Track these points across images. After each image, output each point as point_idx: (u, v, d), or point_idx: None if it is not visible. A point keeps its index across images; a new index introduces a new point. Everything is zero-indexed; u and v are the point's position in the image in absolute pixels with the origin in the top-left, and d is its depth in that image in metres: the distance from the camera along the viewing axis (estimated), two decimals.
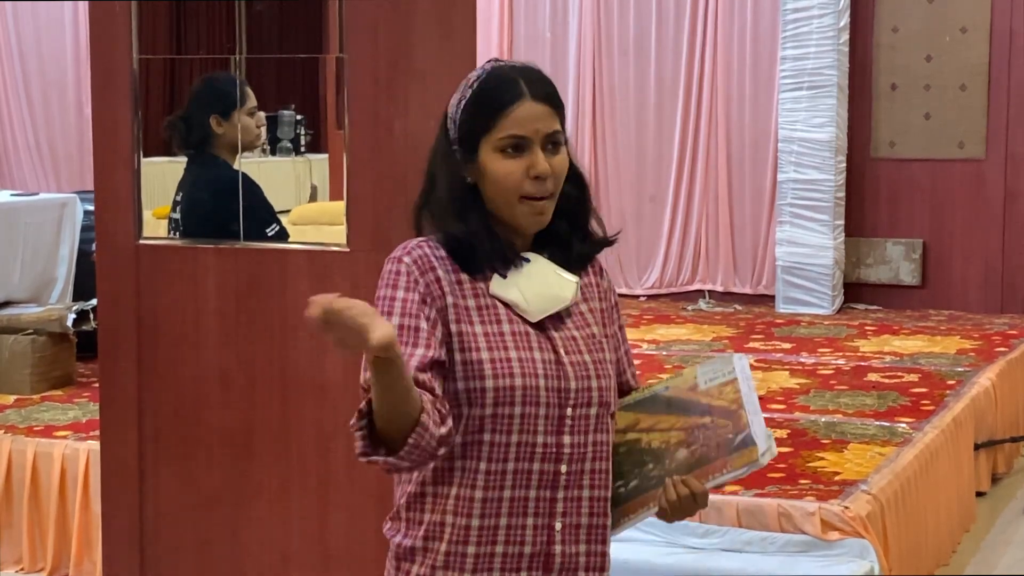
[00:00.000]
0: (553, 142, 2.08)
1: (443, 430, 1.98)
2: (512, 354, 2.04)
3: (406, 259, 2.06)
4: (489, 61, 2.15)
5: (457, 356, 2.03)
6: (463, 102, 2.10)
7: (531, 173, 2.05)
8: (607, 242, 2.20)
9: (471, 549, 2.05)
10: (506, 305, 2.08)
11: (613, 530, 2.16)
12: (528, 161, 2.06)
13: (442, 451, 2.00)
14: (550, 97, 2.09)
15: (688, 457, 2.10)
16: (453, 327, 2.04)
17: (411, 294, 2.04)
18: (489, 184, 2.08)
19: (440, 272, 2.06)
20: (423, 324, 2.02)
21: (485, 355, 2.03)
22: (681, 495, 2.08)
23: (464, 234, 2.07)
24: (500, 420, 2.03)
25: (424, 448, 1.96)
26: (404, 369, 1.90)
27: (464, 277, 2.08)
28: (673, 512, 2.10)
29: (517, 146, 2.06)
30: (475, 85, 2.10)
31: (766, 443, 2.03)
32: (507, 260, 2.09)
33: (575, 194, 2.14)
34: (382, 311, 2.04)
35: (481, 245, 2.07)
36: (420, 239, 2.11)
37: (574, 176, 2.14)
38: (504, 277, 2.09)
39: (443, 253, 2.08)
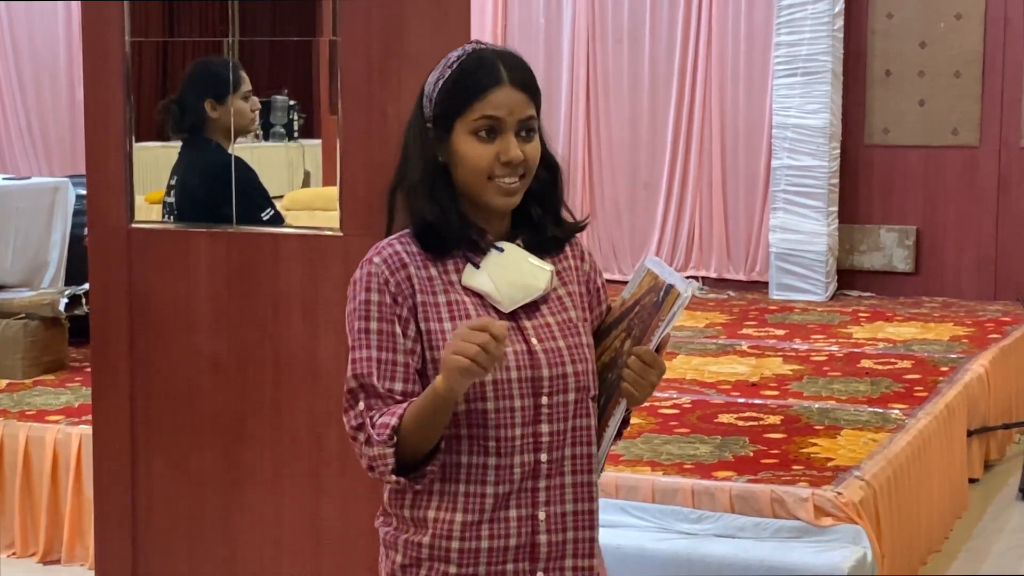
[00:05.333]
0: (527, 129, 2.07)
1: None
2: None
3: (376, 259, 2.07)
4: (471, 43, 2.14)
5: (427, 354, 2.03)
6: (441, 82, 2.09)
7: (502, 158, 2.05)
8: (578, 227, 2.19)
9: (455, 544, 2.04)
10: (477, 297, 2.07)
11: (598, 451, 2.13)
12: (500, 146, 2.05)
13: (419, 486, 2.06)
14: (528, 84, 2.09)
15: (632, 341, 2.10)
16: (422, 325, 2.04)
17: (384, 296, 2.04)
18: (460, 165, 2.07)
19: (411, 269, 2.05)
20: (397, 328, 2.03)
21: None
22: (631, 366, 2.05)
23: (434, 215, 2.06)
24: (474, 416, 2.02)
25: (438, 471, 2.02)
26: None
27: (434, 272, 2.07)
28: (636, 387, 2.06)
29: (491, 129, 2.05)
30: (454, 65, 2.09)
31: (684, 284, 2.05)
32: (477, 246, 2.08)
33: (547, 178, 2.14)
34: (359, 316, 2.05)
35: (451, 226, 2.05)
36: (393, 236, 2.11)
37: (547, 161, 2.13)
38: (476, 266, 2.07)
39: (415, 248, 2.07)
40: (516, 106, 2.06)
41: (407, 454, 2.00)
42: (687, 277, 2.13)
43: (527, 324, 2.08)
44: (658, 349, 2.07)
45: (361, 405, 2.02)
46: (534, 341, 2.07)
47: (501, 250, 2.09)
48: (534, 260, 2.10)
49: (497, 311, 2.07)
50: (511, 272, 2.07)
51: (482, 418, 2.02)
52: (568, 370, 2.07)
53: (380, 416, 2.00)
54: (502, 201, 2.07)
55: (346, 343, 3.42)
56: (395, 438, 1.98)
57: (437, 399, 1.95)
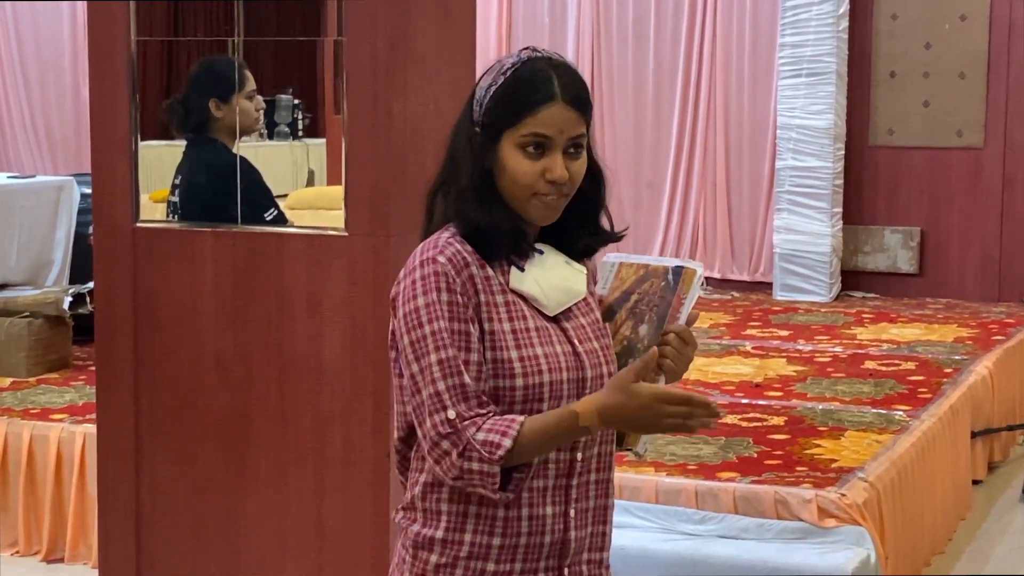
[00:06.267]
0: (575, 145, 2.06)
1: None
2: (538, 351, 2.03)
3: (441, 258, 2.02)
4: (525, 49, 2.10)
5: (488, 354, 2.02)
6: (493, 88, 2.06)
7: (547, 176, 2.04)
8: (614, 237, 2.18)
9: (496, 540, 2.04)
10: (523, 299, 2.07)
11: (635, 443, 2.16)
12: (546, 164, 2.04)
13: None
14: (580, 101, 2.06)
15: (648, 325, 2.14)
16: (485, 325, 2.02)
17: (454, 296, 2.01)
18: (504, 177, 2.06)
19: (473, 269, 2.03)
20: (471, 328, 2.01)
21: (514, 353, 2.02)
22: (672, 343, 2.09)
23: (487, 221, 2.05)
24: (529, 415, 2.02)
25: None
26: None
27: (490, 272, 2.05)
28: (678, 363, 2.11)
29: (538, 145, 2.03)
30: (508, 73, 2.06)
31: (693, 264, 2.12)
32: (520, 248, 2.08)
33: (590, 189, 2.12)
34: (429, 316, 2.00)
35: (503, 234, 2.05)
36: (445, 235, 2.06)
37: (592, 171, 2.12)
38: (522, 270, 2.07)
39: (470, 248, 2.05)
40: (567, 124, 2.04)
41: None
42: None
43: (567, 326, 2.09)
44: (687, 325, 2.12)
45: (451, 413, 1.98)
46: (576, 343, 2.08)
47: (541, 252, 2.10)
48: (570, 263, 2.12)
49: (542, 314, 2.07)
50: (553, 275, 2.09)
51: None
52: (604, 371, 2.10)
53: (481, 431, 1.97)
54: (543, 215, 2.08)
55: (350, 342, 3.44)
56: (504, 460, 1.96)
57: (577, 431, 1.98)
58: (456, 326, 2.00)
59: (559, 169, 2.04)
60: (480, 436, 1.96)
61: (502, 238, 2.05)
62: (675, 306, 2.11)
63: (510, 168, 2.05)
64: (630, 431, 2.03)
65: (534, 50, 2.10)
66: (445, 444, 1.97)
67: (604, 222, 2.17)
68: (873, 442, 4.92)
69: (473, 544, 2.04)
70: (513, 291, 2.06)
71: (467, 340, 2.00)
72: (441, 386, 1.99)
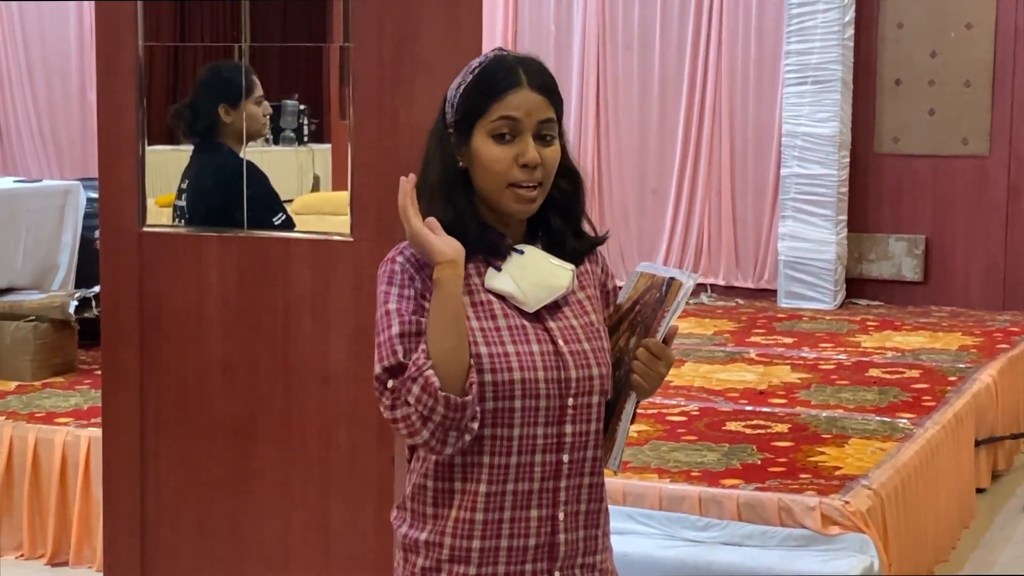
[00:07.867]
0: (547, 132, 2.09)
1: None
2: (509, 348, 2.05)
3: (399, 259, 2.08)
4: (494, 50, 2.16)
5: None
6: (462, 86, 2.11)
7: (520, 161, 2.06)
8: (599, 240, 2.21)
9: (476, 544, 2.06)
10: (501, 299, 2.09)
11: (610, 449, 2.16)
12: (518, 148, 2.07)
13: (475, 424, 2.01)
14: (548, 89, 2.10)
15: (637, 338, 2.14)
16: None
17: (410, 288, 2.05)
18: (479, 169, 2.09)
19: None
20: (425, 305, 2.04)
21: (483, 350, 2.03)
22: (640, 357, 2.10)
23: (451, 219, 2.07)
24: (501, 414, 2.04)
25: (475, 397, 1.99)
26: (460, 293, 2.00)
27: None
28: (645, 379, 2.11)
29: (509, 131, 2.06)
30: (476, 71, 2.11)
31: (686, 276, 2.12)
32: (497, 249, 2.10)
33: (569, 189, 2.15)
34: (380, 302, 2.06)
35: (468, 230, 2.06)
36: None
37: (570, 172, 2.15)
38: (498, 269, 2.09)
39: None
40: (534, 108, 2.08)
41: (445, 374, 1.98)
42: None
43: (553, 326, 2.10)
44: (665, 341, 2.12)
45: (391, 384, 2.01)
46: (560, 343, 2.09)
47: (521, 252, 2.11)
48: (555, 260, 2.13)
49: (522, 311, 2.09)
50: (533, 273, 2.10)
51: (508, 416, 2.04)
52: (593, 372, 2.10)
53: (414, 386, 1.98)
54: (519, 208, 2.09)
55: (355, 347, 3.45)
56: (429, 360, 1.97)
57: (436, 285, 1.99)
58: (402, 305, 2.04)
59: (531, 152, 2.06)
60: (415, 389, 1.98)
61: (469, 235, 2.06)
62: (658, 319, 2.12)
63: (483, 157, 2.07)
64: (434, 257, 2.01)
65: (501, 49, 2.16)
66: (399, 411, 1.99)
67: (587, 228, 2.19)
68: (877, 450, 4.92)
69: (453, 548, 2.06)
70: (489, 290, 2.08)
71: (417, 340, 2.01)
72: (378, 369, 2.03)
